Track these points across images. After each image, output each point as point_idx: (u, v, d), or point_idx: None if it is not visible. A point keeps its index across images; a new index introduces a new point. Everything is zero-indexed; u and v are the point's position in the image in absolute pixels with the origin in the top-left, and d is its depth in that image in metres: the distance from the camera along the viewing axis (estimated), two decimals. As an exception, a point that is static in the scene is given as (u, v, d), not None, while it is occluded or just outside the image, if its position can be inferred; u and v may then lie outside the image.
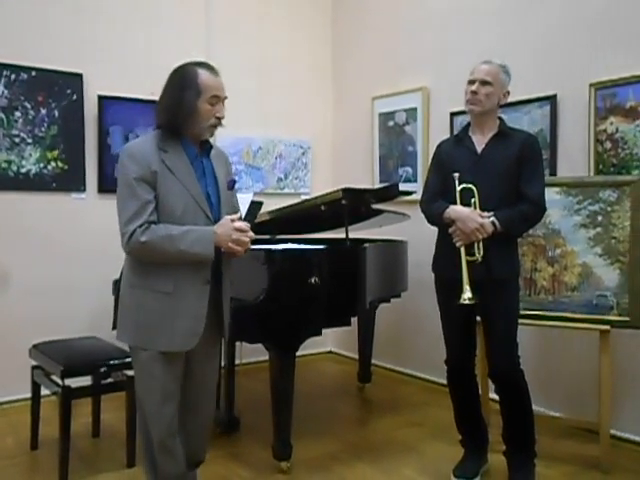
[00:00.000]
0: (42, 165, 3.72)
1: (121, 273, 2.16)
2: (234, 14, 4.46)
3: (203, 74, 1.96)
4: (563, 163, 3.32)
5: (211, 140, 2.11)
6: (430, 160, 2.75)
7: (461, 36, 3.87)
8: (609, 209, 2.85)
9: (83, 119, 3.85)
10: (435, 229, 2.66)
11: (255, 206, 2.10)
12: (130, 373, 2.82)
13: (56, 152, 3.76)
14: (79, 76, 3.81)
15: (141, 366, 2.02)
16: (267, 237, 3.64)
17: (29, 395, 3.02)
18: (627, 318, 2.79)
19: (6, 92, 3.59)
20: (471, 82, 2.52)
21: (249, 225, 2.02)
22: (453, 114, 3.86)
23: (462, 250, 2.43)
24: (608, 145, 3.10)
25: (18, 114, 3.64)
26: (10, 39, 3.61)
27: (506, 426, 2.56)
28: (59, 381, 2.71)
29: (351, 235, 3.18)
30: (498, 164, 2.47)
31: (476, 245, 2.43)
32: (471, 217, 2.40)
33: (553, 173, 3.33)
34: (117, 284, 3.55)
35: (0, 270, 3.56)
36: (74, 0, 3.81)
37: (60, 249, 3.77)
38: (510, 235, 2.50)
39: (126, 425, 2.80)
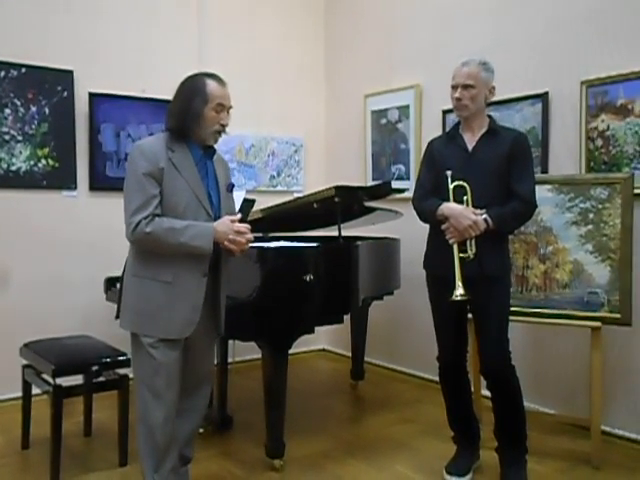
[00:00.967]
0: (32, 163, 3.69)
1: (125, 263, 2.25)
2: (226, 11, 4.44)
3: (211, 84, 2.13)
4: (554, 161, 3.33)
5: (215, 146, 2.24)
6: (422, 157, 2.75)
7: (454, 34, 3.87)
8: (600, 206, 2.87)
9: (74, 116, 3.82)
10: (427, 226, 2.67)
11: (247, 204, 2.19)
12: (122, 372, 2.81)
13: (47, 150, 3.73)
14: (70, 73, 3.78)
15: (144, 352, 2.11)
16: (260, 235, 3.63)
17: (20, 394, 3.00)
18: (618, 315, 2.80)
19: (-4, 89, 3.57)
20: (454, 87, 2.51)
21: (249, 227, 2.13)
22: (445, 112, 3.86)
23: (455, 247, 2.44)
24: (599, 143, 3.12)
25: (8, 111, 3.60)
26: (0, 36, 3.58)
27: (498, 422, 2.58)
28: (50, 380, 2.69)
29: (344, 233, 3.19)
30: (489, 162, 2.47)
31: (468, 242, 2.44)
32: (464, 214, 2.41)
33: (545, 171, 3.34)
34: (117, 279, 3.53)
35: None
36: (64, -4, 3.79)
37: (51, 247, 3.75)
38: (502, 232, 2.52)
39: (118, 424, 2.79)
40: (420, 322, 3.81)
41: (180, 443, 2.28)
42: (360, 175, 4.56)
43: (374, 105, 4.46)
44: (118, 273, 3.07)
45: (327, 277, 2.79)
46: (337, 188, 2.96)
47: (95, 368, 2.72)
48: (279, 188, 4.74)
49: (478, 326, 2.56)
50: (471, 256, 2.43)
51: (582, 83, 3.15)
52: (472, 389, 2.82)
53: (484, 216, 2.41)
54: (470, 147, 2.54)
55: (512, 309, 2.95)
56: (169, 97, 2.20)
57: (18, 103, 3.64)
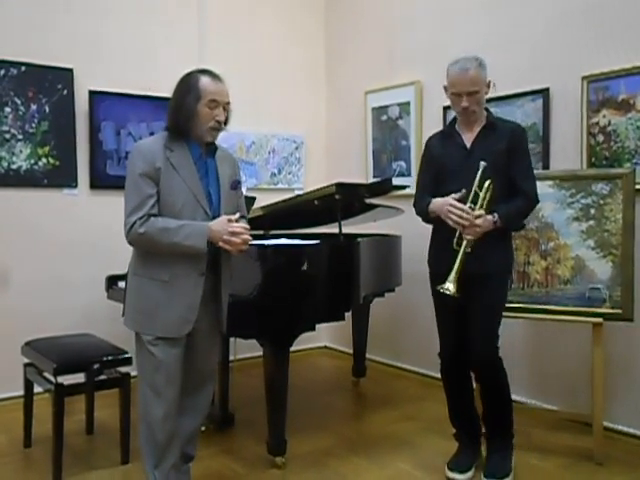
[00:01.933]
0: (33, 161, 3.69)
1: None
2: (226, 9, 4.43)
3: (203, 80, 2.11)
4: (556, 156, 3.32)
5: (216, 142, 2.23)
6: (421, 156, 2.74)
7: (454, 30, 3.85)
8: (602, 202, 2.86)
9: (74, 115, 3.81)
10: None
11: (248, 201, 2.17)
12: (124, 370, 2.82)
13: (47, 148, 3.73)
14: (70, 71, 3.77)
15: (145, 350, 2.13)
16: (260, 232, 3.63)
17: (22, 393, 3.01)
18: (619, 311, 2.80)
19: (-4, 88, 3.56)
20: (456, 95, 2.46)
21: (247, 227, 2.12)
22: (446, 108, 3.84)
23: (454, 242, 2.43)
24: (600, 138, 3.11)
25: (8, 110, 3.60)
26: (0, 34, 3.59)
27: (485, 411, 2.63)
28: (52, 378, 2.69)
29: (345, 230, 3.18)
30: (488, 158, 2.45)
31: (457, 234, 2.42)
32: (442, 202, 2.41)
33: (546, 166, 3.33)
34: (118, 277, 3.53)
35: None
36: (64, -6, 3.79)
37: (52, 246, 3.74)
38: (508, 230, 2.53)
39: (120, 422, 2.79)
40: (422, 319, 3.81)
41: (182, 441, 2.28)
42: (361, 172, 4.56)
43: (374, 102, 4.45)
44: (119, 271, 3.08)
45: (328, 274, 2.79)
46: (338, 185, 2.96)
47: (96, 366, 2.72)
48: (280, 185, 4.73)
49: (470, 318, 2.54)
50: (468, 250, 2.41)
51: (583, 78, 3.14)
52: (474, 386, 2.82)
53: (495, 218, 2.40)
54: (468, 144, 2.53)
55: (514, 305, 2.94)
56: (169, 95, 2.19)
57: (18, 101, 3.63)
